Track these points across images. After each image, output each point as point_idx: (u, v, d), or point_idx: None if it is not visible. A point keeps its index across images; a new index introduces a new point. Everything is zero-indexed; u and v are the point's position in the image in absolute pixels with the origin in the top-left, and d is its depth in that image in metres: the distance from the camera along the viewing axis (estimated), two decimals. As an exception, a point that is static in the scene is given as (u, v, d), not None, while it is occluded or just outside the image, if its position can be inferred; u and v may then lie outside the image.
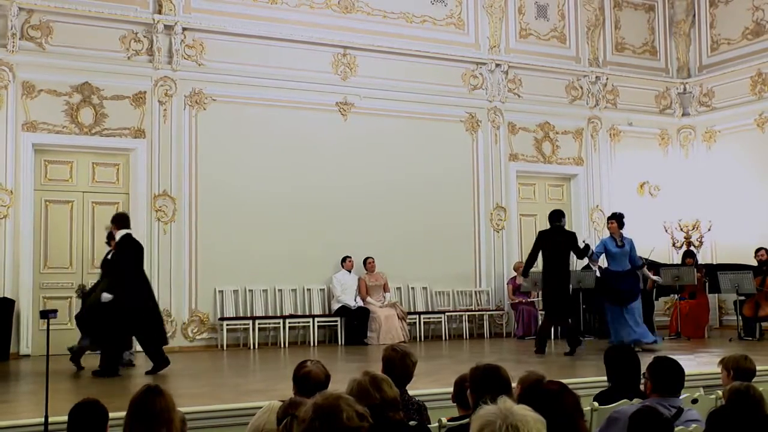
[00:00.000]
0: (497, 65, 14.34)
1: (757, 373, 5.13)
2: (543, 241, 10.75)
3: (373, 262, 12.91)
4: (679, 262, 14.12)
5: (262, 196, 12.38)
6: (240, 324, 11.99)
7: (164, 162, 11.87)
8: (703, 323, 13.22)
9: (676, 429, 3.92)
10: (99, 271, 9.70)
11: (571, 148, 15.08)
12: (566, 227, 11.03)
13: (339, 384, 4.67)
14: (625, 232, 11.09)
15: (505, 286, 13.95)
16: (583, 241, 11.10)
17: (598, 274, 11.81)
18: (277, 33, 12.66)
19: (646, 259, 13.60)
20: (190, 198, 11.99)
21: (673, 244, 15.31)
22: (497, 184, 14.27)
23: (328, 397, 2.73)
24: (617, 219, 10.99)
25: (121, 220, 9.22)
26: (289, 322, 12.22)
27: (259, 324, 11.99)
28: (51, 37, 11.34)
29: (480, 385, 3.84)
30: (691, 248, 14.85)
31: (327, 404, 2.68)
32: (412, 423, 3.80)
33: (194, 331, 11.83)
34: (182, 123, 12.03)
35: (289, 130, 12.71)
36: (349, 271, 12.79)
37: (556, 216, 10.80)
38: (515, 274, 13.79)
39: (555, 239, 10.68)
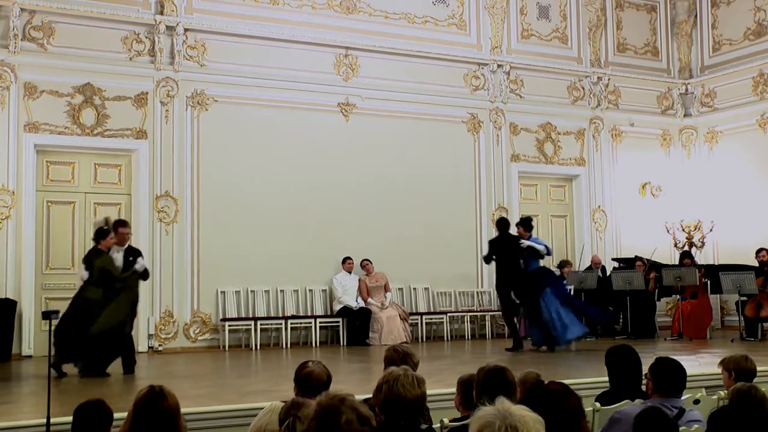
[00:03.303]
0: (499, 66, 14.33)
1: (758, 374, 5.13)
2: (496, 246, 11.48)
3: (369, 264, 12.87)
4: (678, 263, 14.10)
5: (264, 196, 12.38)
6: (242, 325, 11.99)
7: (166, 163, 11.88)
8: (705, 324, 13.19)
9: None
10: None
11: (572, 149, 15.08)
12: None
13: (340, 385, 4.68)
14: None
15: (507, 286, 13.92)
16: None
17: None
18: (279, 34, 12.67)
19: (647, 260, 13.62)
20: (192, 199, 12.00)
21: (675, 245, 15.30)
22: (499, 184, 14.27)
23: (332, 398, 2.72)
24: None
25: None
26: (291, 323, 12.22)
27: (261, 325, 11.99)
28: (53, 38, 11.35)
29: (486, 386, 3.85)
30: (690, 249, 14.83)
31: (328, 405, 2.67)
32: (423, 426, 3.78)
33: (196, 331, 11.83)
34: (184, 124, 12.04)
35: (291, 131, 12.71)
36: (349, 272, 12.79)
37: (507, 224, 11.60)
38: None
39: (506, 243, 11.35)
